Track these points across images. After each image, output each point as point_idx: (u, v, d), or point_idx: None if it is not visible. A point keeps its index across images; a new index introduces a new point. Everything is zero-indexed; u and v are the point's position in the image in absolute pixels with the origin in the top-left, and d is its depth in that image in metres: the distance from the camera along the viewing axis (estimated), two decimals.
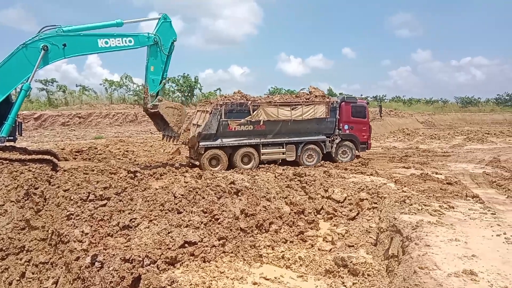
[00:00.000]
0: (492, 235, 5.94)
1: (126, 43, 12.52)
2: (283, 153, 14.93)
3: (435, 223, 6.47)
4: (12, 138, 11.37)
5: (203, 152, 13.85)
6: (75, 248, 7.18)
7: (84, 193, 8.47)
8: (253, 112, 14.25)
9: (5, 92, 10.98)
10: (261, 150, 14.57)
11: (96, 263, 6.56)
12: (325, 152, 15.63)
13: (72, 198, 8.38)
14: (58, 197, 8.82)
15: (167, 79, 13.83)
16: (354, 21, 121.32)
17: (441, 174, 12.04)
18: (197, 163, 14.15)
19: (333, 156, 15.85)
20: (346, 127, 16.08)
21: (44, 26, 11.50)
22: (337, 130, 15.92)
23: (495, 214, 7.31)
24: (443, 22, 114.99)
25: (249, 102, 14.36)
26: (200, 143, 13.79)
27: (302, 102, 15.03)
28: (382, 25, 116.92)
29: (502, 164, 14.19)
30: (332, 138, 15.79)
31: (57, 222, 8.16)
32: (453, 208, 7.69)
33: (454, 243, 5.52)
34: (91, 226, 7.53)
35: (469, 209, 7.63)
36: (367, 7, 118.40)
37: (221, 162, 14.07)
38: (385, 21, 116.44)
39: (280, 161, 15.06)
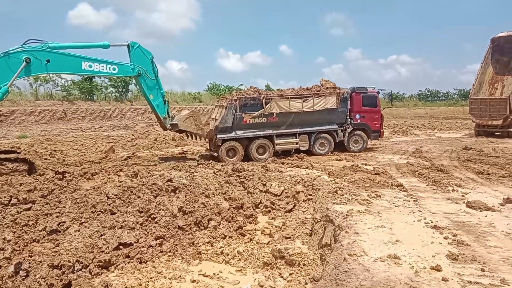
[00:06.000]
0: (414, 221, 6.44)
1: (109, 70, 12.65)
2: (296, 143, 15.86)
3: (363, 212, 6.88)
4: None
5: (220, 144, 14.89)
6: None
7: (5, 197, 7.79)
8: (266, 105, 15.14)
9: None
10: (275, 141, 15.52)
11: (21, 272, 6.08)
12: (337, 141, 16.43)
13: None
14: None
15: (165, 95, 14.65)
16: (290, 19, 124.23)
17: (369, 165, 12.78)
18: (215, 154, 15.20)
19: (345, 145, 16.70)
20: (357, 116, 16.80)
21: (29, 38, 11.30)
22: (349, 120, 16.62)
23: (417, 201, 7.93)
24: (372, 22, 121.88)
25: (262, 96, 15.30)
26: (218, 136, 14.87)
27: (313, 94, 15.71)
28: (317, 24, 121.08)
29: (424, 155, 15.41)
30: (344, 128, 16.54)
31: None
32: (380, 196, 8.21)
33: (380, 230, 5.91)
34: (14, 232, 6.95)
35: (394, 197, 8.20)
36: (303, 6, 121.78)
37: (238, 153, 15.07)
38: (319, 21, 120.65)
39: (294, 150, 15.83)
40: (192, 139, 16.38)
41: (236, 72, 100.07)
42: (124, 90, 40.27)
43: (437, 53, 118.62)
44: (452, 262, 4.68)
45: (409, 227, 6.13)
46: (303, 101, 15.58)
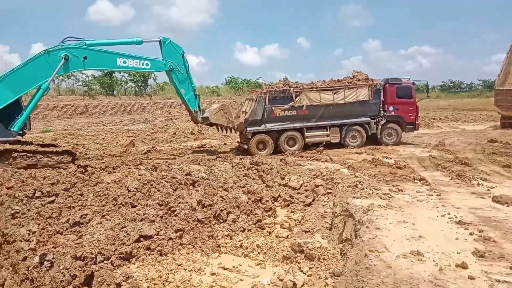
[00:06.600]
0: (437, 216, 6.27)
1: (143, 65, 13.13)
2: (327, 136, 15.62)
3: (385, 206, 6.74)
4: (21, 132, 11.77)
5: (250, 137, 14.94)
6: (22, 248, 6.79)
7: (29, 190, 7.99)
8: (295, 98, 15.02)
9: (20, 92, 11.34)
10: (305, 134, 15.37)
11: (45, 263, 6.25)
12: (369, 134, 16.10)
13: (16, 195, 7.88)
14: (1, 195, 8.27)
15: (196, 89, 15.10)
16: (308, 10, 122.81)
17: (390, 159, 12.53)
18: (245, 147, 15.26)
19: (378, 137, 16.29)
20: (391, 108, 16.33)
21: (67, 36, 11.95)
22: (382, 112, 16.21)
23: (440, 195, 7.72)
24: (391, 12, 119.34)
25: (292, 88, 15.16)
26: (248, 129, 14.93)
27: (344, 86, 15.47)
28: (335, 15, 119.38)
29: (447, 148, 15.04)
30: (377, 120, 16.15)
31: (1, 221, 7.65)
32: (402, 191, 8.03)
33: (402, 225, 5.78)
34: (39, 224, 7.14)
35: (416, 192, 8.01)
36: None
37: (268, 146, 15.11)
38: (338, 12, 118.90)
39: (324, 143, 15.56)
40: (223, 132, 16.57)
41: (254, 65, 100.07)
42: (143, 84, 40.75)
43: (460, 43, 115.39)
44: (478, 260, 4.53)
45: (432, 222, 5.97)
46: (334, 93, 15.32)
